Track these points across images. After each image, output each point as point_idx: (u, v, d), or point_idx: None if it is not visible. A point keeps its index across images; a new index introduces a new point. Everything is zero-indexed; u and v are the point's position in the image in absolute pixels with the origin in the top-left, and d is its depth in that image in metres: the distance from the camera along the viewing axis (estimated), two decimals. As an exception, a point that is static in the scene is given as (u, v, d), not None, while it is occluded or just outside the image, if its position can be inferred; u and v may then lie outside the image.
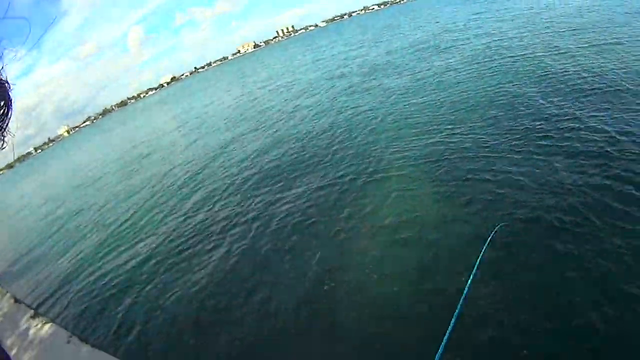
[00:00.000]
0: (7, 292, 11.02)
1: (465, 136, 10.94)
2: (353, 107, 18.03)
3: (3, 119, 1.09)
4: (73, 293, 10.81)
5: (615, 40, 14.93)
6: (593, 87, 11.23)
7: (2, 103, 1.08)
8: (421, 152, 10.88)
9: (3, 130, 1.08)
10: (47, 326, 7.67)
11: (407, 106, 15.34)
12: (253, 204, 11.65)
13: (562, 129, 9.47)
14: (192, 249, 10.42)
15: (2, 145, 1.08)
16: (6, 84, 1.08)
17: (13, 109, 1.09)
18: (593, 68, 12.68)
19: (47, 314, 9.71)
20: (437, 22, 42.50)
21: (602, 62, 12.94)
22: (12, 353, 7.35)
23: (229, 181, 14.55)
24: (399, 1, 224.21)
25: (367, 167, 11.14)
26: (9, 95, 1.07)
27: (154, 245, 11.81)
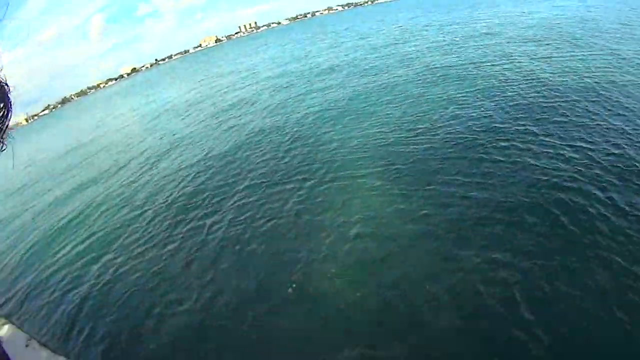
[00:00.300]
0: None
1: (421, 140, 11.37)
2: (310, 107, 18.40)
3: (3, 121, 1.12)
4: (28, 290, 10.48)
5: (572, 55, 15.88)
6: (548, 99, 11.96)
7: (1, 105, 1.12)
8: (378, 153, 11.24)
9: (3, 132, 1.13)
10: (5, 327, 7.44)
11: (366, 107, 15.77)
12: (207, 200, 11.74)
13: (513, 139, 10.03)
14: (146, 245, 10.41)
15: (2, 147, 1.14)
16: (5, 86, 1.12)
17: (13, 111, 1.12)
18: (550, 81, 13.43)
19: (3, 311, 9.49)
20: (400, 27, 43.33)
21: (558, 77, 13.73)
22: None
23: (183, 175, 14.65)
24: (363, 4, 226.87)
25: (321, 167, 11.44)
26: (8, 97, 1.11)
27: (106, 240, 11.67)
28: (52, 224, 15.09)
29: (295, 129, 15.55)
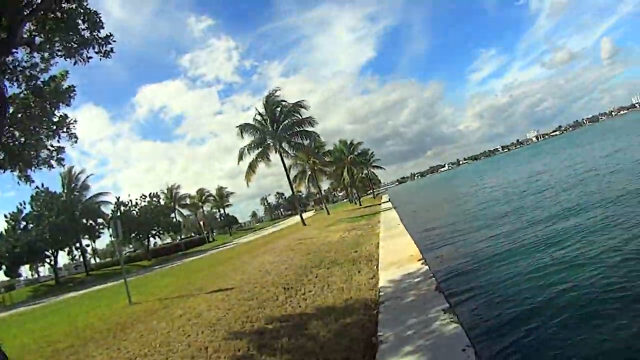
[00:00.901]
0: (434, 276, 10.43)
1: None
2: None
3: None
4: (501, 309, 9.31)
5: None
6: None
7: None
8: None
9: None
10: (452, 326, 6.91)
11: None
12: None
13: None
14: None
15: None
16: (2, 87, 1.50)
17: (8, 110, 1.48)
18: None
19: (461, 314, 8.83)
20: None
21: None
22: (407, 333, 7.10)
23: None
24: None
25: None
26: (3, 96, 1.50)
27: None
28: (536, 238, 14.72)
29: None
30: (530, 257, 12.65)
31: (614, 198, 17.47)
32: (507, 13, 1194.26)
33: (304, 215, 57.97)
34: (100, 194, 71.78)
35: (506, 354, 7.23)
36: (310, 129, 46.29)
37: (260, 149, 45.61)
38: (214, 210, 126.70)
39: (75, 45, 10.31)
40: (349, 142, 78.59)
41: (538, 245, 13.84)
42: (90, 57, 10.56)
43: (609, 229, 13.31)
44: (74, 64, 10.53)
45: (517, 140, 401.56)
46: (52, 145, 12.07)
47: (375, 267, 12.96)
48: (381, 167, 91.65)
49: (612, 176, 24.00)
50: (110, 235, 74.14)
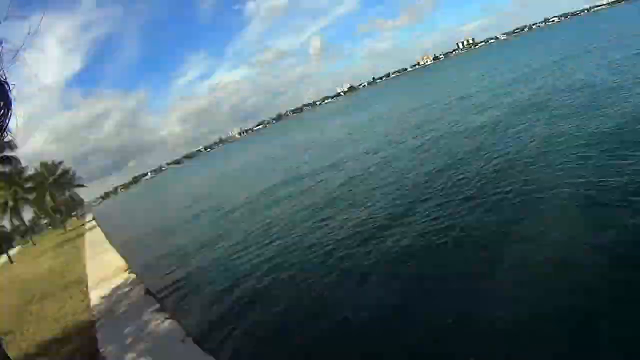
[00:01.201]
0: (142, 282, 11.16)
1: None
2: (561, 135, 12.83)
3: (3, 120, 1.11)
4: (205, 293, 10.48)
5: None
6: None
7: (1, 103, 1.10)
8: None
9: (3, 130, 1.12)
10: (167, 322, 7.52)
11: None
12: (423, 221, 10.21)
13: None
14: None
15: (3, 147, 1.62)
16: (6, 85, 1.10)
17: (13, 109, 1.11)
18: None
19: (172, 309, 9.56)
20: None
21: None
22: (128, 342, 7.56)
23: (390, 191, 13.93)
24: (588, 11, 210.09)
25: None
26: (8, 95, 1.10)
27: (291, 249, 11.67)
28: (238, 229, 16.28)
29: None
30: (229, 246, 14.24)
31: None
32: (221, 18, 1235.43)
33: (11, 252, 50.74)
34: None
35: (214, 327, 8.18)
36: (10, 153, 40.20)
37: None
38: None
39: None
40: (49, 163, 70.87)
41: (235, 233, 15.68)
42: None
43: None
44: None
45: (220, 139, 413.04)
46: None
47: (85, 288, 13.09)
48: (83, 185, 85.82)
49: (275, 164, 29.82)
50: None
